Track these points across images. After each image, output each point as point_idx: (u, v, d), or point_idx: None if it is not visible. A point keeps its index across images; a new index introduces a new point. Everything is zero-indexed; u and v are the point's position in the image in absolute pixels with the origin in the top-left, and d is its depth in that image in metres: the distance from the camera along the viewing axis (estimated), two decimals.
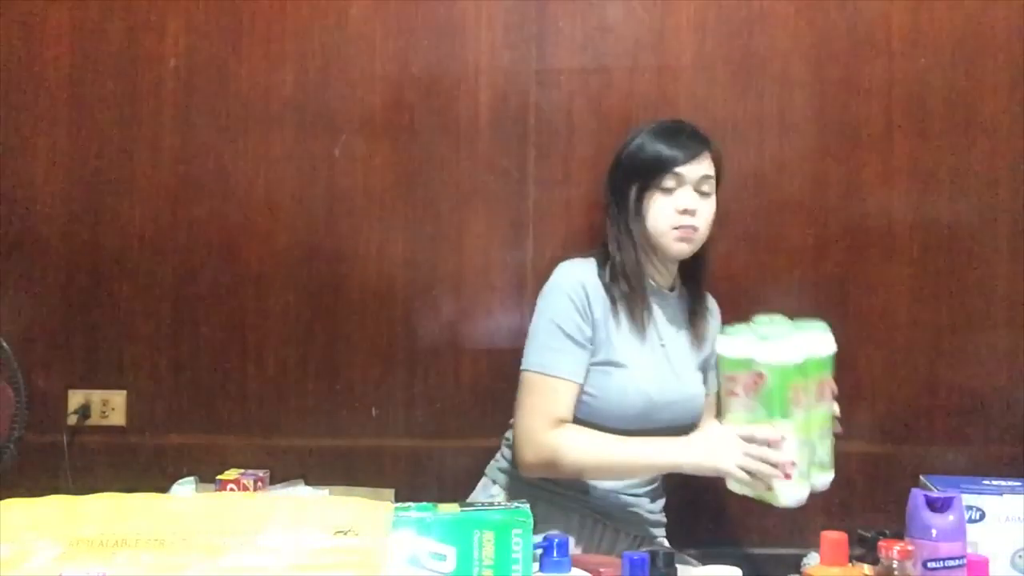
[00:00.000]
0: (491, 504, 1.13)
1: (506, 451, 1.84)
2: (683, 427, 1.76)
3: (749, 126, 2.14)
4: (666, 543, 1.80)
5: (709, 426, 1.63)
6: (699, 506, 2.12)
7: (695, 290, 1.85)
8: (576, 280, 1.72)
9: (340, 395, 2.17)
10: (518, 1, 2.16)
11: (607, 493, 1.74)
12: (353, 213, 2.17)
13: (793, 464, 1.50)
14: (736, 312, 2.12)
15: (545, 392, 1.67)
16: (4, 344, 2.13)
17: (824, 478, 1.56)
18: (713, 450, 1.57)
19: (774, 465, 1.51)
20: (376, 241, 2.17)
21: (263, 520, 1.02)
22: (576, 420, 1.70)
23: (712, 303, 1.91)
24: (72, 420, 2.17)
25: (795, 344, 1.48)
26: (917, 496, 1.27)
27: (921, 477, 1.51)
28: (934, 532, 1.24)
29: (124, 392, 2.18)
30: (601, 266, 1.76)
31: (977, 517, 1.34)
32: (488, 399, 2.12)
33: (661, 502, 1.85)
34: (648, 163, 1.73)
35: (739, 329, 1.54)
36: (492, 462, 1.88)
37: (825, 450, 1.56)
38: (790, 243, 2.14)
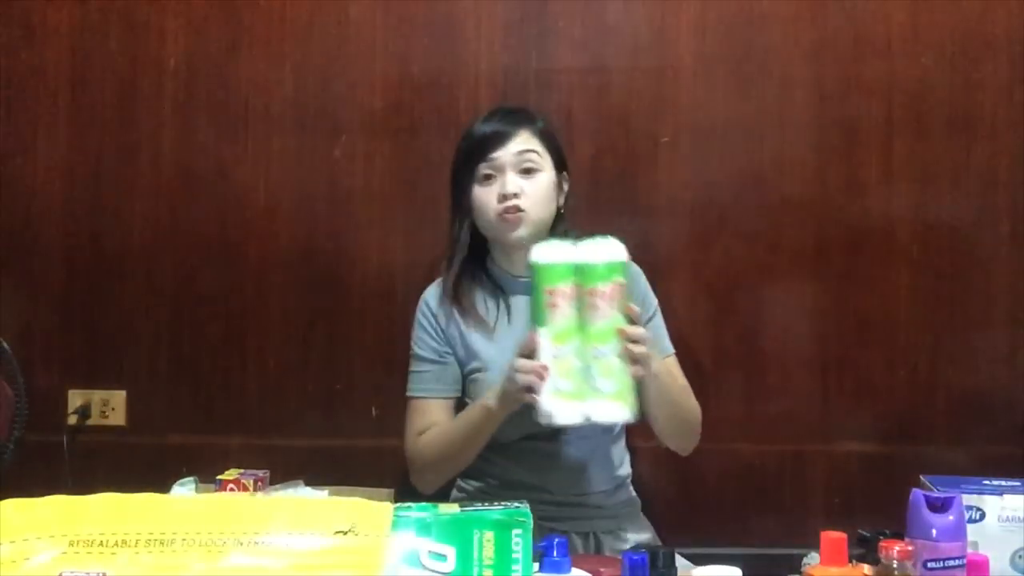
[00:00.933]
0: (490, 504, 1.13)
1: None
2: None
3: (749, 126, 2.14)
4: (634, 537, 1.77)
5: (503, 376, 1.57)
6: (699, 506, 2.12)
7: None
8: (423, 302, 1.77)
9: (340, 395, 2.17)
10: (518, 1, 2.16)
11: (547, 495, 1.69)
12: (353, 213, 2.17)
13: (545, 369, 1.42)
14: (736, 312, 2.14)
15: (411, 413, 1.74)
16: (4, 344, 2.13)
17: (604, 407, 1.42)
18: (503, 392, 1.53)
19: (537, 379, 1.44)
20: (376, 241, 2.17)
21: (263, 520, 1.01)
22: None
23: None
24: (72, 420, 2.17)
25: (569, 248, 1.44)
26: (917, 496, 1.27)
27: (921, 477, 1.51)
28: (934, 532, 1.23)
29: (124, 392, 2.19)
30: (448, 276, 1.75)
31: (977, 517, 1.34)
32: None
33: (623, 495, 1.80)
34: (464, 157, 1.71)
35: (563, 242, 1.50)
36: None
37: (609, 375, 1.42)
38: (790, 243, 2.14)
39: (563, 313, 1.43)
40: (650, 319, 1.72)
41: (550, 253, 1.45)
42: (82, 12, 2.19)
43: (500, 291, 1.75)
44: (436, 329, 1.74)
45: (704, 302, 2.14)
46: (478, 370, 1.71)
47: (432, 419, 1.71)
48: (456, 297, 1.73)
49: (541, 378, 1.43)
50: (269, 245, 2.18)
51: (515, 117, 1.72)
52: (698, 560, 1.64)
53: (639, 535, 1.77)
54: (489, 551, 1.06)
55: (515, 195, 1.65)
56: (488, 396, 1.59)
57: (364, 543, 1.01)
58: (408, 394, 1.75)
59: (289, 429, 2.17)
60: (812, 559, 1.41)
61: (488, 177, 1.68)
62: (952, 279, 2.13)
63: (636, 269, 1.74)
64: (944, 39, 2.12)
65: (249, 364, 2.18)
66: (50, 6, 2.19)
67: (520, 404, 1.50)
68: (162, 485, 1.68)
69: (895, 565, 1.15)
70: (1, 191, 2.19)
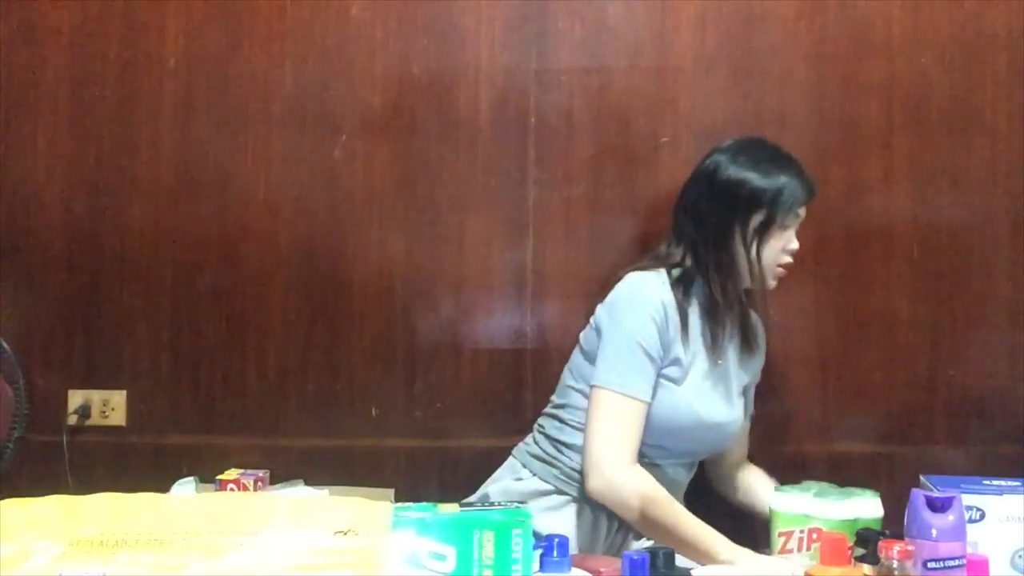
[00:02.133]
0: (493, 504, 1.13)
1: (541, 439, 1.81)
2: (720, 444, 1.80)
3: (749, 126, 2.14)
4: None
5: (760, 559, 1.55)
6: (699, 507, 2.12)
7: (747, 305, 1.82)
8: (656, 298, 1.69)
9: (340, 395, 2.17)
10: (518, 1, 2.16)
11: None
12: (353, 213, 2.17)
13: None
14: None
15: (621, 414, 1.63)
16: (4, 344, 2.13)
17: None
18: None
19: None
20: (376, 241, 2.17)
21: (263, 520, 1.01)
22: None
23: (756, 319, 1.88)
24: (72, 420, 2.17)
25: (851, 504, 1.46)
26: (917, 496, 1.27)
27: (921, 477, 1.51)
28: (934, 532, 1.23)
29: (124, 392, 2.18)
30: (676, 281, 1.74)
31: (977, 517, 1.34)
32: (488, 399, 2.12)
33: None
34: (785, 201, 1.72)
35: (792, 488, 1.53)
36: (522, 445, 1.86)
37: None
38: None
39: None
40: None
41: (849, 507, 1.44)
42: (82, 12, 2.19)
43: (711, 315, 1.75)
44: (665, 331, 1.68)
45: None
46: (672, 380, 1.69)
47: (639, 427, 1.64)
48: (692, 308, 1.72)
49: None
50: (269, 245, 2.18)
51: (812, 183, 1.77)
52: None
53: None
54: (489, 551, 1.07)
55: (794, 253, 1.76)
56: (739, 560, 1.53)
57: (364, 543, 1.01)
58: (618, 389, 1.64)
59: (289, 429, 2.17)
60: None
61: (787, 227, 1.74)
62: (952, 279, 2.13)
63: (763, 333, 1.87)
64: (944, 39, 2.12)
65: (249, 364, 2.18)
66: (50, 6, 2.19)
67: None
68: (162, 485, 1.69)
69: (895, 565, 1.15)
70: (1, 191, 2.19)
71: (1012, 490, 1.36)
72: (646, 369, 1.64)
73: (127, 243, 2.19)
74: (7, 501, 1.03)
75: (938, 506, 1.25)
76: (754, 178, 1.74)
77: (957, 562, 1.23)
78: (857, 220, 2.13)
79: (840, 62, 2.13)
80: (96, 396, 2.18)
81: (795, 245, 1.76)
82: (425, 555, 1.05)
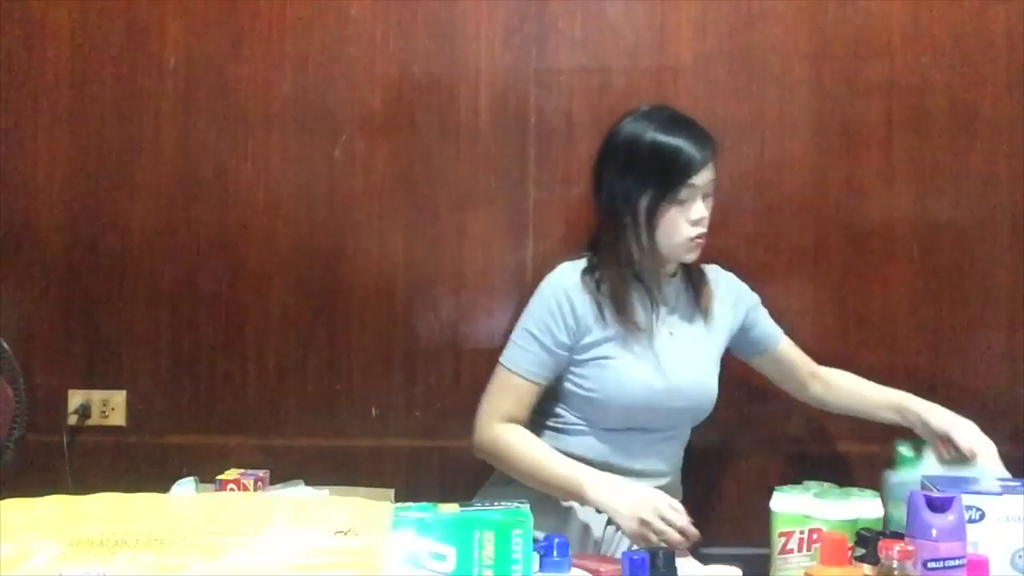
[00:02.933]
0: (493, 503, 1.13)
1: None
2: (690, 413, 1.79)
3: (749, 126, 2.14)
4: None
5: (645, 490, 1.62)
6: (699, 506, 2.12)
7: (689, 267, 1.84)
8: (560, 288, 1.73)
9: (340, 395, 2.17)
10: (518, 1, 2.16)
11: (637, 478, 1.73)
12: (353, 213, 2.17)
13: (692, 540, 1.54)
14: None
15: (503, 385, 1.74)
16: (4, 344, 2.13)
17: None
18: (618, 505, 1.58)
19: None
20: (376, 241, 2.17)
21: (263, 520, 1.01)
22: (583, 416, 1.74)
23: (714, 272, 1.89)
24: (72, 420, 2.17)
25: (851, 505, 1.46)
26: (917, 496, 1.27)
27: (921, 477, 1.51)
28: (934, 532, 1.23)
29: (124, 392, 2.19)
30: (592, 267, 1.76)
31: (977, 517, 1.34)
32: None
33: (679, 480, 1.86)
34: (659, 173, 1.68)
35: (792, 488, 1.53)
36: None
37: None
38: (790, 243, 2.14)
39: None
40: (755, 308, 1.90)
41: (850, 508, 1.44)
42: (82, 12, 2.19)
43: (649, 289, 1.76)
44: (567, 317, 1.72)
45: None
46: (610, 358, 1.71)
47: (518, 402, 1.72)
48: (617, 300, 1.72)
49: (683, 545, 1.54)
50: (269, 245, 2.18)
51: (710, 142, 1.72)
52: (699, 560, 1.64)
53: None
54: (489, 551, 1.07)
55: (705, 222, 1.71)
56: (592, 488, 1.61)
57: (364, 543, 1.01)
58: (505, 363, 1.74)
59: (289, 429, 2.17)
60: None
61: (683, 201, 1.69)
62: (952, 279, 2.13)
63: (727, 275, 1.89)
64: (944, 39, 2.12)
65: (249, 364, 2.18)
66: (50, 6, 2.19)
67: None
68: (162, 485, 1.68)
69: (895, 565, 1.15)
70: (1, 191, 2.19)
71: (1012, 490, 1.36)
72: (533, 350, 1.72)
73: (127, 243, 2.19)
74: (7, 501, 1.03)
75: (938, 506, 1.25)
76: (632, 147, 1.72)
77: (957, 562, 1.23)
78: (857, 220, 2.13)
79: (840, 62, 2.13)
80: (96, 396, 2.18)
81: (699, 215, 1.69)
82: (425, 555, 1.05)
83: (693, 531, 1.57)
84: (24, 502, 1.03)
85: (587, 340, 1.72)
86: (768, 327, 1.93)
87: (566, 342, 1.72)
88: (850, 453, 2.12)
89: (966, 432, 1.73)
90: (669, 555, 1.29)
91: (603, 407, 1.72)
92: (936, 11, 2.12)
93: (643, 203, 1.70)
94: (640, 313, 1.75)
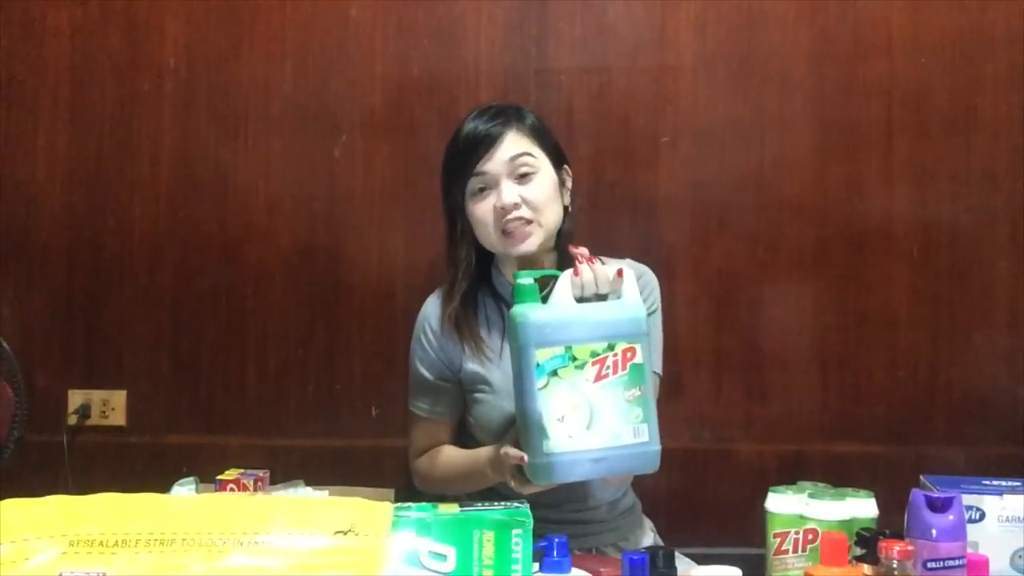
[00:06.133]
0: (490, 504, 1.13)
1: None
2: None
3: (749, 126, 2.14)
4: (639, 537, 1.75)
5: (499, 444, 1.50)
6: (699, 506, 2.12)
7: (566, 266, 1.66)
8: (424, 320, 1.68)
9: (340, 395, 2.17)
10: (518, 1, 2.16)
11: (549, 511, 1.59)
12: (353, 213, 2.17)
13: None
14: (736, 312, 2.14)
15: (414, 427, 1.71)
16: (4, 344, 2.13)
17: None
18: (498, 471, 1.49)
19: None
20: (376, 241, 2.17)
21: (263, 520, 1.02)
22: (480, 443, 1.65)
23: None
24: (72, 420, 2.17)
25: (846, 505, 1.46)
26: (917, 496, 1.27)
27: (921, 477, 1.51)
28: (934, 532, 1.23)
29: (124, 392, 2.19)
30: (448, 291, 1.65)
31: (977, 517, 1.34)
32: None
33: (625, 503, 1.76)
34: (452, 168, 1.58)
35: (787, 488, 1.53)
36: None
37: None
38: (790, 243, 2.14)
39: None
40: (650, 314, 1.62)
41: (845, 508, 1.41)
42: (82, 12, 2.19)
43: (504, 305, 1.63)
44: (436, 350, 1.66)
45: (704, 302, 2.14)
46: (482, 391, 1.63)
47: (431, 438, 1.69)
48: (457, 326, 1.62)
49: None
50: (269, 245, 2.18)
51: (499, 118, 1.57)
52: (698, 560, 1.65)
53: (641, 541, 1.77)
54: (489, 551, 1.07)
55: (515, 206, 1.54)
56: (484, 463, 1.53)
57: (364, 543, 1.01)
58: (409, 407, 1.72)
59: (289, 429, 2.17)
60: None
61: (482, 190, 1.56)
62: (952, 279, 2.13)
63: (649, 275, 1.70)
64: (944, 39, 2.12)
65: (249, 364, 2.18)
66: (50, 6, 2.19)
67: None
68: (162, 485, 1.68)
69: (895, 565, 1.15)
70: (1, 191, 2.19)
71: (1012, 490, 1.36)
72: (424, 388, 1.67)
73: (127, 243, 2.19)
74: (7, 501, 1.03)
75: (938, 506, 1.25)
76: (451, 139, 1.62)
77: (957, 562, 1.23)
78: (857, 220, 2.13)
79: (840, 62, 2.13)
80: (96, 396, 2.18)
81: (505, 200, 1.53)
82: (425, 555, 1.05)
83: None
84: (24, 502, 1.03)
85: (462, 368, 1.64)
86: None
87: (448, 374, 1.64)
88: (850, 453, 2.12)
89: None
90: (669, 555, 1.29)
91: (483, 438, 1.63)
92: (936, 11, 2.12)
93: (455, 203, 1.60)
94: (499, 333, 1.62)
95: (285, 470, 1.98)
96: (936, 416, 2.12)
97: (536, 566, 1.17)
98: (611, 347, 1.35)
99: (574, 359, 1.34)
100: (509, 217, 1.54)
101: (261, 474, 1.96)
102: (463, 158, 1.57)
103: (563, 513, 1.63)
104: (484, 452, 1.57)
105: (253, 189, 2.18)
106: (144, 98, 2.19)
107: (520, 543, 1.07)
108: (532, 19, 2.16)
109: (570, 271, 1.43)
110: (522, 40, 2.16)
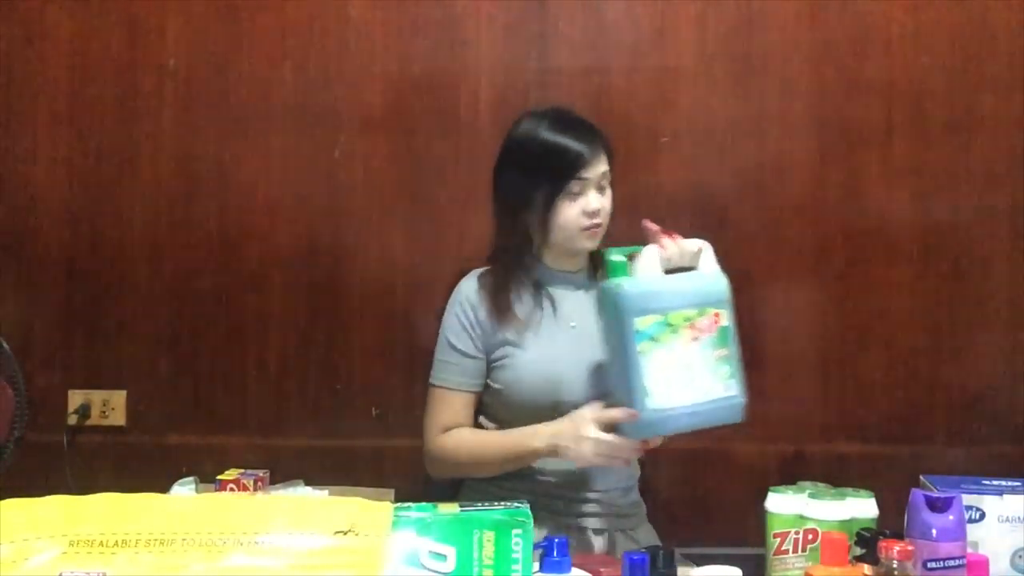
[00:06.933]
0: (491, 504, 1.13)
1: None
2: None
3: (749, 126, 2.14)
4: (647, 536, 1.78)
5: (572, 416, 1.62)
6: (699, 506, 2.12)
7: (596, 262, 1.83)
8: (462, 295, 1.78)
9: (340, 395, 2.17)
10: (518, 1, 2.16)
11: (562, 491, 1.73)
12: (353, 213, 2.17)
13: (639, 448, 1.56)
14: (736, 312, 2.13)
15: (435, 403, 1.76)
16: (4, 344, 2.13)
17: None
18: (569, 443, 1.59)
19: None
20: (376, 241, 2.17)
21: (263, 520, 1.01)
22: (497, 418, 1.75)
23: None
24: (72, 420, 2.17)
25: (846, 505, 1.46)
26: (917, 496, 1.27)
27: (921, 477, 1.51)
28: (934, 532, 1.23)
29: (124, 392, 2.19)
30: (490, 271, 1.78)
31: (977, 517, 1.34)
32: None
33: (633, 496, 1.82)
34: (548, 169, 1.71)
35: (787, 488, 1.53)
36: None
37: None
38: (790, 243, 2.14)
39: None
40: None
41: (845, 508, 1.42)
42: (82, 12, 2.19)
43: (538, 284, 1.77)
44: (473, 324, 1.75)
45: None
46: (509, 356, 1.73)
47: (455, 415, 1.75)
48: (497, 301, 1.74)
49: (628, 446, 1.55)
50: (269, 245, 2.18)
51: (597, 138, 1.74)
52: (698, 560, 1.65)
53: (648, 539, 1.79)
54: (489, 551, 1.06)
55: (598, 213, 1.72)
56: (539, 438, 1.62)
57: (364, 543, 1.01)
58: (432, 382, 1.76)
59: (289, 429, 2.17)
60: None
61: (575, 194, 1.71)
62: (952, 279, 2.13)
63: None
64: (944, 39, 2.12)
65: (249, 364, 2.18)
66: (50, 6, 2.19)
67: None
68: (162, 485, 1.68)
69: (895, 565, 1.15)
70: (1, 191, 2.19)
71: (1012, 490, 1.36)
72: (456, 361, 1.75)
73: (127, 243, 2.19)
74: (7, 501, 1.03)
75: (938, 506, 1.25)
76: (522, 149, 1.75)
77: (957, 562, 1.23)
78: (857, 220, 2.14)
79: (840, 62, 2.13)
80: (96, 396, 2.18)
81: (594, 206, 1.71)
82: (425, 555, 1.05)
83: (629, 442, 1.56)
84: (24, 502, 1.03)
85: (492, 343, 1.74)
86: None
87: (480, 347, 1.75)
88: (850, 453, 2.12)
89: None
90: (669, 555, 1.29)
91: (507, 404, 1.73)
92: (936, 11, 2.12)
93: (539, 199, 1.72)
94: (530, 309, 1.75)
95: (285, 470, 1.98)
96: (936, 416, 2.12)
97: (536, 566, 1.17)
98: (701, 312, 1.51)
99: (670, 325, 1.49)
100: (594, 221, 1.72)
101: (261, 474, 1.96)
102: (568, 164, 1.70)
103: (584, 493, 1.73)
104: (531, 428, 1.65)
105: (253, 189, 2.18)
106: (144, 98, 2.19)
107: (520, 543, 1.07)
108: (532, 19, 2.16)
109: (654, 246, 1.58)
110: (522, 40, 2.16)
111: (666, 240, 1.60)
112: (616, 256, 1.58)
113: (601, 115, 2.13)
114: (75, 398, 2.18)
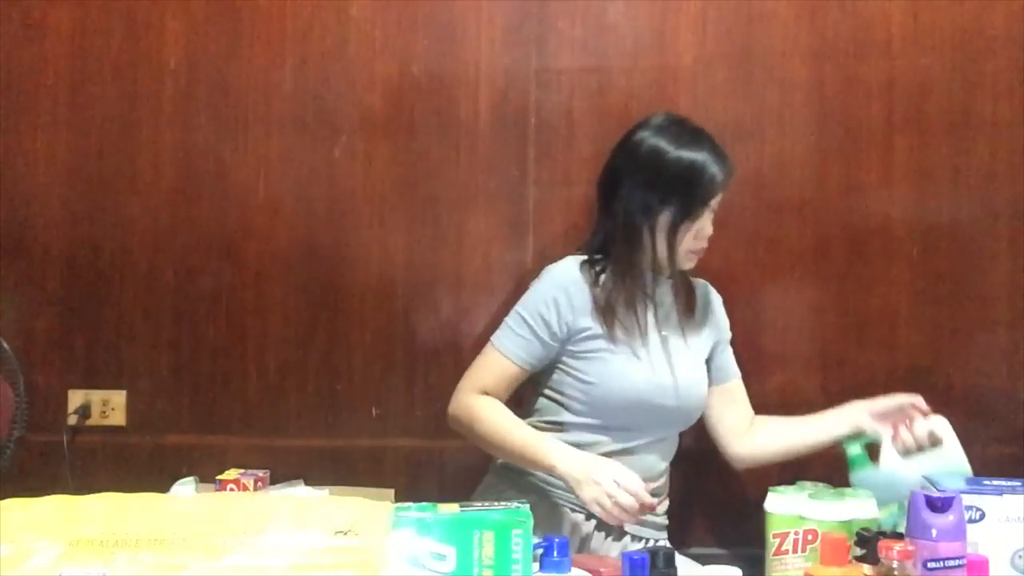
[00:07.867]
0: (491, 504, 1.13)
1: None
2: (685, 413, 1.80)
3: (749, 126, 2.14)
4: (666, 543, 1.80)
5: (603, 459, 1.64)
6: (699, 506, 2.12)
7: (683, 274, 1.87)
8: (563, 279, 1.77)
9: (340, 395, 2.17)
10: (518, 1, 2.16)
11: None
12: (353, 213, 2.17)
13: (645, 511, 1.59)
14: (736, 312, 2.13)
15: (486, 362, 1.79)
16: (4, 344, 2.13)
17: None
18: (574, 469, 1.61)
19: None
20: (376, 241, 2.17)
21: (263, 520, 1.02)
22: (577, 412, 1.75)
23: (704, 287, 1.94)
24: (72, 420, 2.17)
25: (845, 505, 1.46)
26: (917, 496, 1.27)
27: (921, 477, 1.51)
28: (934, 532, 1.24)
29: (124, 392, 2.18)
30: (591, 263, 1.79)
31: (977, 517, 1.34)
32: None
33: (664, 505, 1.85)
34: (687, 195, 1.73)
35: (786, 488, 1.54)
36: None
37: None
38: (790, 243, 2.14)
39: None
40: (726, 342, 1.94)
41: (845, 508, 1.45)
42: (82, 12, 2.19)
43: (644, 290, 1.79)
44: (564, 312, 1.75)
45: None
46: (611, 352, 1.73)
47: (497, 381, 1.76)
48: (604, 296, 1.75)
49: (634, 511, 1.57)
50: (269, 245, 2.18)
51: (727, 159, 1.76)
52: (698, 560, 1.65)
53: (659, 535, 1.82)
54: (489, 551, 1.07)
55: (707, 238, 1.78)
56: (558, 460, 1.63)
57: (364, 543, 1.01)
58: (493, 341, 1.79)
59: (289, 429, 2.17)
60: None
61: (699, 217, 1.74)
62: (952, 279, 2.13)
63: (716, 295, 1.94)
64: (944, 39, 2.12)
65: (249, 364, 2.18)
66: (50, 6, 2.19)
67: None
68: (162, 485, 1.68)
69: (895, 565, 1.15)
70: (1, 191, 2.19)
71: (1012, 490, 1.36)
72: (523, 334, 1.76)
73: (127, 243, 2.19)
74: (7, 501, 1.03)
75: (938, 506, 1.25)
76: (662, 160, 1.75)
77: (957, 562, 1.23)
78: (857, 220, 2.13)
79: (840, 62, 2.13)
80: (96, 396, 2.18)
81: (708, 232, 1.77)
82: (425, 555, 1.05)
83: (647, 498, 1.58)
84: (24, 502, 1.03)
85: (582, 334, 1.74)
86: (730, 360, 1.95)
87: (558, 334, 1.75)
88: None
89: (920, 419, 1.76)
90: (669, 555, 1.29)
91: (603, 400, 1.73)
92: (936, 11, 2.12)
93: (663, 218, 1.74)
94: (637, 314, 1.77)
95: (285, 470, 1.98)
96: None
97: (536, 566, 1.17)
98: None
99: None
100: (702, 246, 1.79)
101: (261, 474, 1.97)
102: (712, 187, 1.74)
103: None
104: (557, 445, 1.66)
105: (253, 189, 2.18)
106: (144, 98, 2.19)
107: (520, 543, 1.08)
108: (532, 19, 2.16)
109: (889, 434, 1.73)
110: (522, 40, 2.16)
111: (901, 430, 1.72)
112: (854, 449, 1.74)
113: (601, 115, 2.14)
114: (75, 398, 2.18)
